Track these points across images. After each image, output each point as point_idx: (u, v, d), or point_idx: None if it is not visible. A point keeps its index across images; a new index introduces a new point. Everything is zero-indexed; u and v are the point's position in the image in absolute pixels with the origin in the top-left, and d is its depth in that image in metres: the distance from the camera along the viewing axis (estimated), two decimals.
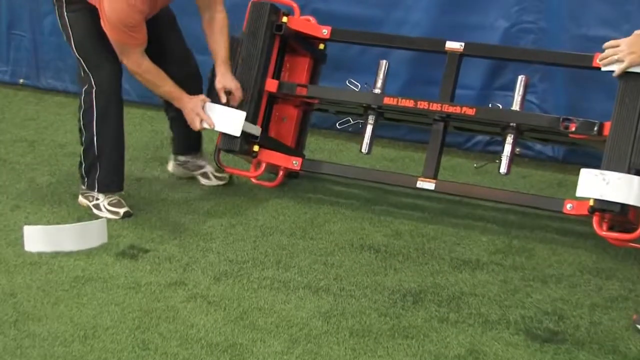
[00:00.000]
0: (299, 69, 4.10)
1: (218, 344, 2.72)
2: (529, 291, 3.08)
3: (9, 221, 3.66)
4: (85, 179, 3.75)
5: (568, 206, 3.34)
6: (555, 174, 4.28)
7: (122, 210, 3.70)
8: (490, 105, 3.74)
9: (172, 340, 2.74)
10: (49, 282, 3.11)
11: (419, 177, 3.65)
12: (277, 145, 3.98)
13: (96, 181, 3.73)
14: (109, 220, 3.59)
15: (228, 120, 3.70)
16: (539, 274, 3.21)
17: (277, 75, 3.95)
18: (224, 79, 3.70)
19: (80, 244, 3.37)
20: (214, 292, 3.04)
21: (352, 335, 2.77)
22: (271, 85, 3.87)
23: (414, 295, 3.03)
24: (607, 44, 3.28)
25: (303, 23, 3.98)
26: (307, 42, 4.04)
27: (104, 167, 3.72)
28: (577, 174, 3.22)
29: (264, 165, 3.91)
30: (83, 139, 3.71)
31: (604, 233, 3.21)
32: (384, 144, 4.67)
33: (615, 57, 3.22)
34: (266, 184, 4.05)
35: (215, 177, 4.13)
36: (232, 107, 3.72)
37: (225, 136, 3.74)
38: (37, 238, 3.36)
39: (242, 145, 3.74)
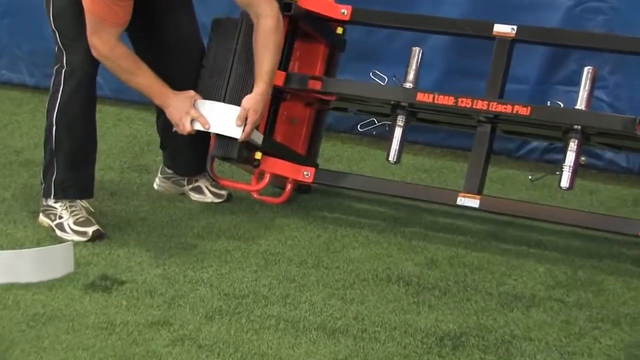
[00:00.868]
0: (312, 58, 4.12)
1: None
2: (597, 335, 3.06)
3: None
4: (43, 185, 3.77)
5: None
6: (631, 189, 4.27)
7: (90, 230, 3.71)
8: (548, 104, 3.74)
9: None
10: (1, 320, 3.12)
11: (460, 192, 3.65)
12: (284, 152, 3.99)
13: (52, 185, 3.73)
14: (75, 243, 3.60)
15: (225, 118, 3.68)
16: (609, 314, 3.20)
17: (284, 66, 3.96)
18: (246, 100, 3.63)
19: (41, 274, 3.38)
20: (206, 334, 3.04)
21: None
22: (277, 77, 3.88)
23: (454, 339, 3.03)
24: None
25: (317, 1, 4.00)
26: (322, 25, 4.06)
27: (63, 165, 3.71)
28: None
29: (268, 176, 3.92)
30: (44, 130, 3.74)
31: None
32: (417, 150, 4.67)
33: None
34: (271, 199, 4.06)
35: (211, 192, 4.14)
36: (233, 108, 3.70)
37: (221, 141, 3.74)
38: None
39: (241, 151, 3.74)
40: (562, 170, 3.59)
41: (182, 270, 3.47)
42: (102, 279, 3.40)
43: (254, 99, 3.62)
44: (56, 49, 3.70)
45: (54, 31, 3.70)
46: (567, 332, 3.08)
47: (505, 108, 3.59)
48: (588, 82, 3.59)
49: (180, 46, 3.84)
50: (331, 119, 4.60)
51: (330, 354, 2.93)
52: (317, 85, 3.88)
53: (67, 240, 3.61)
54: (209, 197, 4.14)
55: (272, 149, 3.93)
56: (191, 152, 4.03)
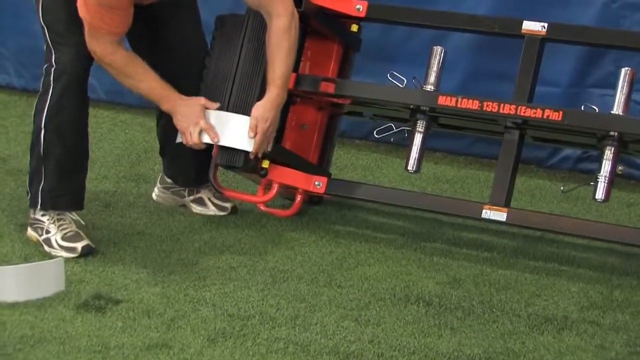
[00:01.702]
0: (325, 58, 4.13)
1: None
2: None
3: None
4: (29, 194, 3.78)
5: None
6: None
7: (79, 245, 3.71)
8: (582, 108, 3.74)
9: None
10: None
11: (486, 204, 3.65)
12: (294, 161, 4.00)
13: (39, 194, 3.74)
14: (66, 259, 3.62)
15: (235, 130, 3.70)
16: None
17: (294, 67, 3.97)
18: (255, 107, 3.67)
19: (29, 292, 3.39)
20: (208, 358, 3.05)
21: None
22: None
23: None
24: None
25: None
26: (335, 22, 4.07)
27: (51, 173, 3.73)
28: None
29: (276, 187, 3.93)
30: (31, 134, 3.75)
31: None
32: (438, 159, 4.68)
33: None
34: (279, 212, 4.07)
35: (214, 204, 4.16)
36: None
37: (225, 148, 3.76)
38: None
39: (247, 160, 3.76)
40: (597, 181, 3.59)
41: (182, 289, 3.48)
42: (96, 298, 3.41)
43: (263, 107, 3.64)
44: (45, 47, 3.72)
45: (43, 27, 3.72)
46: (602, 357, 3.08)
47: (534, 113, 3.59)
48: (625, 84, 3.59)
49: (183, 47, 3.86)
50: (345, 124, 4.61)
51: None
52: (329, 88, 3.89)
53: (57, 256, 3.62)
54: (211, 210, 4.15)
55: (281, 156, 3.94)
56: (193, 160, 4.04)
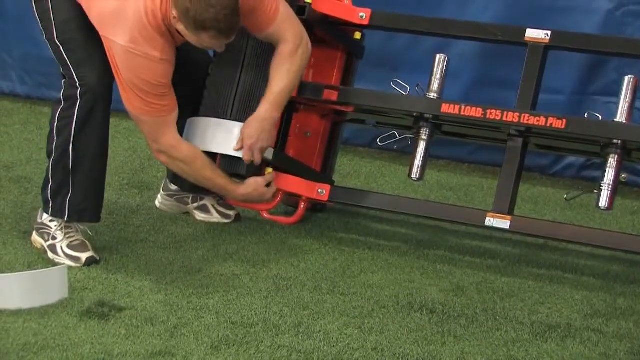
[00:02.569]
0: (328, 66, 4.14)
1: None
2: None
3: None
4: (51, 203, 3.77)
5: None
6: None
7: (84, 256, 3.72)
8: (586, 116, 3.74)
9: None
10: None
11: (489, 212, 3.65)
12: (297, 168, 4.00)
13: (67, 205, 3.74)
14: (69, 267, 3.62)
15: (229, 138, 3.72)
16: None
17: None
18: (245, 124, 3.71)
19: (32, 299, 3.39)
20: None
21: None
22: None
23: None
24: None
25: (333, 4, 4.02)
26: (338, 30, 4.08)
27: (79, 186, 3.72)
28: None
29: (279, 194, 3.94)
30: (54, 146, 3.72)
31: None
32: (441, 166, 4.68)
33: None
34: (282, 219, 4.07)
35: (218, 211, 4.16)
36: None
37: (227, 156, 3.76)
38: None
39: (250, 167, 3.77)
40: (601, 189, 3.59)
41: (185, 297, 3.49)
42: (99, 306, 3.41)
43: (248, 125, 3.69)
44: (62, 65, 3.69)
45: (57, 45, 3.69)
46: None
47: (538, 120, 3.59)
48: (629, 92, 3.59)
49: (187, 55, 3.84)
50: (348, 132, 4.61)
51: None
52: (333, 96, 3.89)
53: (60, 264, 3.63)
54: (215, 217, 4.16)
55: (284, 164, 3.94)
56: None
